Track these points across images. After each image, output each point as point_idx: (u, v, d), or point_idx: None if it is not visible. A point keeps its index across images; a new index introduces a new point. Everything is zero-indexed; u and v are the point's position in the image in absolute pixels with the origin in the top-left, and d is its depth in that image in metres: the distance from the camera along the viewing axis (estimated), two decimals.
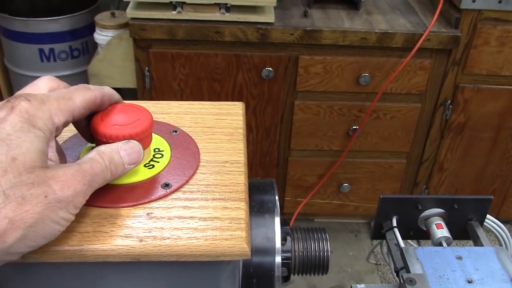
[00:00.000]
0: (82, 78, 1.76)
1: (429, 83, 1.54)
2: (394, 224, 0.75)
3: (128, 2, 1.44)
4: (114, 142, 0.38)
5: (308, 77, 1.51)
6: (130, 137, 0.38)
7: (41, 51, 1.74)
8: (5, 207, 0.31)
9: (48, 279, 0.38)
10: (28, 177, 0.32)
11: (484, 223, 0.77)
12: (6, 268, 0.37)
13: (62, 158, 0.41)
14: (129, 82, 1.56)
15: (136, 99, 1.57)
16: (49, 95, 0.37)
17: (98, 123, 0.38)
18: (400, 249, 0.71)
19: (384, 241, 0.83)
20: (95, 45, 1.63)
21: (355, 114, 1.57)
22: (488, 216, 0.76)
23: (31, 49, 1.74)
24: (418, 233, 0.77)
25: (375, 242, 0.86)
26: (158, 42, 1.45)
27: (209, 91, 1.53)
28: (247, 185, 0.41)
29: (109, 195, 0.39)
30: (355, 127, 1.59)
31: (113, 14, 1.56)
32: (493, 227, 0.77)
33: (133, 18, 1.41)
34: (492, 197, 0.75)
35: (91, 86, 0.40)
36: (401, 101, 1.56)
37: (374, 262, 1.68)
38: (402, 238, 0.74)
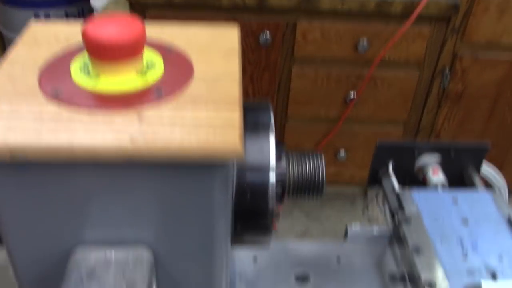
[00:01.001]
0: None
1: (427, 51, 1.53)
2: (390, 170, 0.75)
3: None
4: (106, 51, 0.37)
5: (306, 44, 1.50)
6: (124, 41, 0.37)
7: (36, 16, 1.72)
8: None
9: (38, 183, 0.37)
10: None
11: (481, 171, 0.77)
12: None
13: None
14: None
15: None
16: None
17: (89, 31, 0.37)
18: (396, 193, 0.71)
19: (379, 194, 0.83)
20: (91, 10, 1.62)
21: (352, 81, 1.57)
22: (484, 163, 0.76)
23: (26, 14, 1.72)
24: (414, 180, 0.77)
25: (370, 196, 0.86)
26: (155, 6, 1.43)
27: None
28: (241, 97, 0.41)
29: (100, 100, 0.38)
30: (352, 94, 1.58)
31: None
32: (489, 174, 0.77)
33: None
34: (489, 145, 0.75)
35: None
36: (399, 69, 1.55)
37: (368, 217, 1.68)
38: (398, 184, 0.74)
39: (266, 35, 1.47)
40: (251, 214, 0.43)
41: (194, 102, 0.39)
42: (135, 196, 0.38)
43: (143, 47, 0.40)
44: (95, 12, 1.57)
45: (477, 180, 0.74)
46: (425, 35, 1.49)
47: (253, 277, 0.67)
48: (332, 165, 1.74)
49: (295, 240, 0.70)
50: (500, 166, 1.75)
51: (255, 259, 0.70)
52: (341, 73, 1.56)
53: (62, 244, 0.41)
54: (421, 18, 1.45)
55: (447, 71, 1.55)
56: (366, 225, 0.68)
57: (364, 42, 1.49)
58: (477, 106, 1.61)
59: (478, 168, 0.76)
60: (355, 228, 0.69)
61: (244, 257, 0.70)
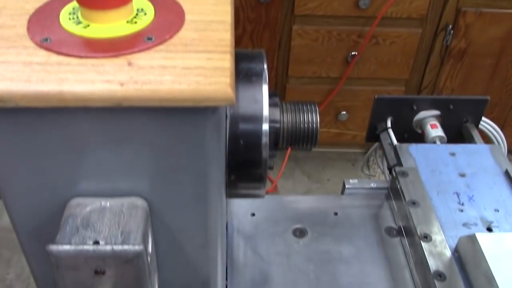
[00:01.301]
0: None
1: (430, 6, 1.50)
2: (389, 125, 0.74)
3: None
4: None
5: (307, 1, 1.47)
6: None
7: None
8: None
9: (30, 130, 0.37)
10: None
11: (480, 126, 0.76)
12: None
13: None
14: None
15: None
16: None
17: None
18: (394, 146, 0.71)
19: (377, 149, 0.83)
20: None
21: (354, 39, 1.54)
22: (483, 118, 0.76)
23: None
24: (413, 136, 0.77)
25: (369, 152, 0.86)
26: None
27: None
28: (233, 44, 0.40)
29: (90, 47, 0.38)
30: (354, 53, 1.56)
31: None
32: (488, 129, 0.76)
33: None
34: (489, 98, 0.74)
35: None
36: (401, 26, 1.53)
37: (368, 173, 1.69)
38: (397, 141, 0.74)
39: None
40: (245, 164, 0.43)
41: (185, 48, 0.38)
42: (128, 143, 0.38)
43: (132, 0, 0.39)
44: None
45: (475, 134, 0.74)
46: None
47: (251, 231, 0.68)
48: (333, 126, 1.73)
49: (292, 196, 0.71)
50: (502, 124, 1.75)
51: (253, 214, 0.70)
52: (342, 31, 1.53)
53: (58, 195, 0.41)
54: None
55: (450, 27, 1.53)
56: (363, 180, 0.68)
57: None
58: (480, 64, 1.59)
59: (477, 122, 0.75)
60: (352, 182, 0.69)
61: (242, 213, 0.70)
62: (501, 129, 1.76)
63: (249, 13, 1.49)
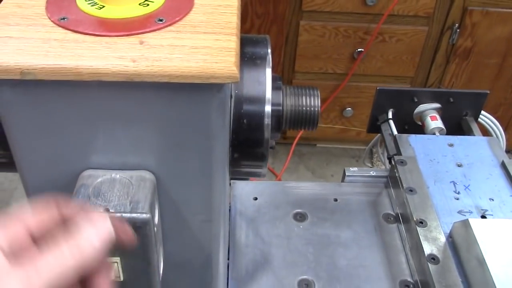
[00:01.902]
0: None
1: (437, 5, 1.51)
2: (390, 116, 0.76)
3: None
4: None
5: None
6: None
7: None
8: None
9: (47, 102, 0.39)
10: None
11: (479, 119, 0.78)
12: (4, 89, 0.38)
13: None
14: None
15: None
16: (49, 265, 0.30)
17: None
18: (394, 136, 0.73)
19: (379, 140, 0.85)
20: None
21: (360, 36, 1.56)
22: (482, 112, 0.78)
23: None
24: (413, 127, 0.79)
25: (370, 143, 0.88)
26: None
27: None
28: (239, 26, 0.42)
29: (104, 26, 0.40)
30: (360, 49, 1.58)
31: None
32: (486, 122, 0.78)
33: None
34: (488, 91, 0.76)
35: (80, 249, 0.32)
36: (407, 24, 1.55)
37: (370, 166, 1.71)
38: (398, 132, 0.76)
39: None
40: (248, 142, 0.45)
41: (193, 29, 0.40)
42: (137, 119, 0.40)
43: None
44: None
45: (474, 127, 0.76)
46: None
47: (253, 214, 0.70)
48: (338, 122, 1.75)
49: (294, 182, 0.73)
50: (506, 123, 1.76)
51: (255, 198, 0.72)
52: (349, 27, 1.55)
53: (71, 167, 0.44)
54: None
55: (456, 26, 1.54)
56: (363, 168, 0.70)
57: None
58: (485, 63, 1.61)
59: (476, 116, 0.77)
60: (352, 170, 0.71)
61: (245, 196, 0.73)
62: (506, 129, 1.78)
63: (257, 8, 1.51)
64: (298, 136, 1.74)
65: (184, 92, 0.38)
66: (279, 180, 1.71)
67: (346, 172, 0.71)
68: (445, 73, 1.63)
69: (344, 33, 1.56)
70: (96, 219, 0.34)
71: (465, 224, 0.57)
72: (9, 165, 0.46)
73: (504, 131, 1.75)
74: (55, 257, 0.31)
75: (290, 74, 1.66)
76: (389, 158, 0.72)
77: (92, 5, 0.42)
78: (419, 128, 0.78)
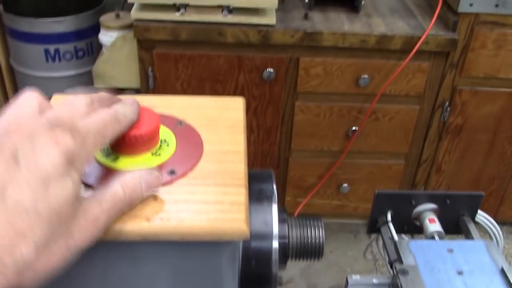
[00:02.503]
0: (87, 78, 1.79)
1: (427, 85, 1.57)
2: (389, 218, 0.78)
3: (133, 4, 1.47)
4: (125, 146, 0.40)
5: (309, 79, 1.54)
6: (142, 137, 0.41)
7: (46, 51, 1.77)
8: (35, 261, 0.31)
9: None
10: (59, 228, 0.32)
11: (476, 218, 0.80)
12: None
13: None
14: (133, 82, 1.59)
15: None
16: (89, 130, 0.35)
17: None
18: (394, 242, 0.74)
19: (379, 237, 0.86)
20: (99, 45, 1.66)
21: (354, 115, 1.60)
22: (479, 211, 0.79)
23: (37, 49, 1.77)
24: (412, 227, 0.80)
25: (372, 238, 0.89)
26: (162, 43, 1.48)
27: (211, 92, 1.56)
28: (247, 173, 0.44)
29: None
30: (354, 128, 1.61)
31: (117, 15, 1.59)
32: (484, 222, 0.80)
33: (137, 20, 1.45)
34: (483, 193, 0.78)
35: (118, 112, 0.38)
36: (399, 103, 1.59)
37: (371, 258, 1.70)
38: (397, 232, 0.77)
39: (269, 70, 1.52)
40: (256, 280, 0.46)
41: (204, 181, 0.42)
42: (148, 272, 0.41)
43: (158, 137, 0.44)
44: (103, 48, 1.61)
45: (472, 228, 0.77)
46: (424, 69, 1.54)
47: None
48: (335, 198, 1.77)
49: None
50: (501, 197, 1.78)
51: None
52: (343, 107, 1.60)
53: None
54: (420, 53, 1.49)
55: (446, 104, 1.59)
56: (365, 275, 0.71)
57: (365, 76, 1.53)
58: (477, 139, 1.65)
59: (473, 216, 0.79)
60: (355, 278, 0.72)
61: None
62: (501, 202, 1.80)
63: (253, 90, 1.56)
64: (297, 212, 1.75)
65: (196, 247, 0.40)
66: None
67: (348, 280, 0.72)
68: (438, 149, 1.67)
69: (338, 112, 1.60)
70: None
71: None
72: None
73: (499, 204, 1.77)
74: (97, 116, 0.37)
75: (286, 152, 1.69)
76: (390, 264, 0.72)
77: (107, 156, 0.44)
78: (418, 229, 0.80)
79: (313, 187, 1.73)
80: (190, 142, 0.46)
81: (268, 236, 0.46)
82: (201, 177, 0.43)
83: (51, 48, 1.77)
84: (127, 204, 0.37)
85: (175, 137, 0.47)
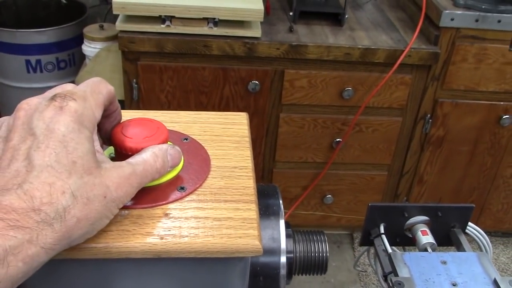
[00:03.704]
0: None
1: (409, 97, 1.59)
2: (382, 231, 0.79)
3: (117, 15, 1.46)
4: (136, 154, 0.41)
5: (293, 91, 1.55)
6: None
7: (27, 62, 1.75)
8: (74, 207, 0.34)
9: (71, 274, 0.40)
10: (88, 179, 0.35)
11: (466, 230, 0.81)
12: None
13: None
14: (117, 93, 1.57)
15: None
16: (85, 91, 0.38)
17: (120, 137, 0.41)
18: (388, 254, 0.75)
19: (370, 249, 0.87)
20: (81, 56, 1.65)
21: (338, 127, 1.62)
22: (469, 223, 0.81)
23: (18, 60, 1.75)
24: (404, 239, 0.81)
25: (360, 250, 0.90)
26: (147, 55, 1.48)
27: (196, 103, 1.56)
28: (256, 189, 0.44)
29: None
30: (338, 139, 1.63)
31: (101, 27, 1.58)
32: (474, 234, 0.81)
33: (122, 31, 1.44)
34: (474, 206, 0.79)
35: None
36: (383, 115, 1.61)
37: (360, 269, 1.72)
38: (390, 245, 0.78)
39: (254, 82, 1.52)
40: None
41: (214, 197, 0.42)
42: (159, 285, 0.41)
43: None
44: (86, 60, 1.60)
45: (463, 239, 0.78)
46: (407, 82, 1.56)
47: None
48: (318, 209, 1.78)
49: None
50: (481, 207, 1.81)
51: None
52: (327, 119, 1.61)
53: None
54: (403, 66, 1.52)
55: (428, 116, 1.62)
56: None
57: (349, 89, 1.55)
58: (458, 150, 1.68)
59: (463, 227, 0.80)
60: None
61: None
62: (481, 211, 1.83)
63: (238, 102, 1.56)
64: None
65: (207, 263, 0.40)
66: None
67: None
68: (420, 160, 1.69)
69: (322, 124, 1.61)
70: None
71: None
72: None
73: (479, 214, 1.80)
74: None
75: (270, 163, 1.70)
76: (385, 276, 0.73)
77: None
78: (410, 240, 0.81)
79: (297, 198, 1.74)
80: (198, 158, 0.46)
81: (276, 252, 0.46)
82: (211, 193, 0.43)
83: (33, 59, 1.75)
84: (156, 172, 0.40)
85: (183, 152, 0.46)
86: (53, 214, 0.33)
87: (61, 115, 0.35)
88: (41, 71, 1.78)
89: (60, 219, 0.33)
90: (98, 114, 0.38)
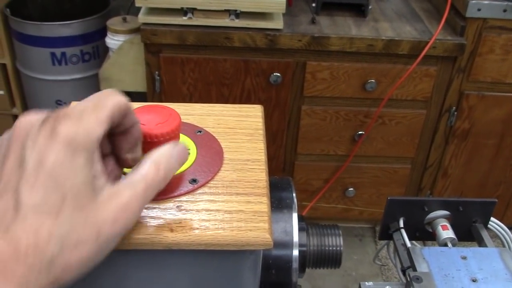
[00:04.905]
0: (93, 81, 1.79)
1: (434, 90, 1.57)
2: (401, 225, 0.78)
3: (139, 8, 1.47)
4: (146, 144, 0.40)
5: (315, 83, 1.54)
6: (163, 136, 0.40)
7: (53, 54, 1.77)
8: (62, 253, 0.31)
9: None
10: (79, 217, 0.32)
11: (488, 225, 0.79)
12: None
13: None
14: (140, 86, 1.59)
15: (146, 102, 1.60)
16: (83, 109, 0.34)
17: None
18: (407, 249, 0.74)
19: (390, 243, 0.86)
20: (105, 49, 1.66)
21: (361, 119, 1.60)
22: (492, 218, 0.79)
23: (43, 52, 1.77)
24: (424, 234, 0.80)
25: (381, 244, 0.89)
26: (169, 47, 1.48)
27: (217, 95, 1.56)
28: (268, 182, 0.44)
29: None
30: (360, 132, 1.61)
31: (124, 19, 1.59)
32: (497, 229, 0.79)
33: (144, 24, 1.45)
34: (496, 200, 0.78)
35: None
36: (406, 107, 1.59)
37: (380, 263, 1.70)
38: (409, 239, 0.77)
39: (276, 74, 1.52)
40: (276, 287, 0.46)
41: (225, 190, 0.42)
42: (170, 278, 0.41)
43: (178, 139, 0.44)
44: (110, 52, 1.61)
45: (485, 235, 0.77)
46: (432, 74, 1.53)
47: None
48: (340, 202, 1.76)
49: None
50: (507, 202, 1.78)
51: None
52: (350, 111, 1.59)
53: None
54: (428, 58, 1.49)
55: (453, 109, 1.59)
56: (378, 282, 0.71)
57: (372, 81, 1.53)
58: (483, 144, 1.65)
59: (486, 223, 0.79)
60: (368, 285, 0.71)
61: None
62: (506, 206, 1.79)
63: (260, 94, 1.56)
64: None
65: (218, 256, 0.40)
66: None
67: (361, 287, 0.71)
68: (445, 153, 1.67)
69: (344, 116, 1.60)
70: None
71: None
72: None
73: (506, 209, 1.77)
74: None
75: (292, 156, 1.69)
76: (403, 271, 0.72)
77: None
78: (430, 235, 0.79)
79: (318, 191, 1.73)
80: (210, 150, 0.46)
81: (289, 245, 0.46)
82: (223, 185, 0.43)
83: (58, 51, 1.77)
84: (162, 181, 0.36)
85: (195, 145, 0.46)
86: (39, 262, 0.30)
87: (51, 143, 0.32)
88: (66, 64, 1.80)
89: (48, 266, 0.31)
90: (100, 131, 0.34)
